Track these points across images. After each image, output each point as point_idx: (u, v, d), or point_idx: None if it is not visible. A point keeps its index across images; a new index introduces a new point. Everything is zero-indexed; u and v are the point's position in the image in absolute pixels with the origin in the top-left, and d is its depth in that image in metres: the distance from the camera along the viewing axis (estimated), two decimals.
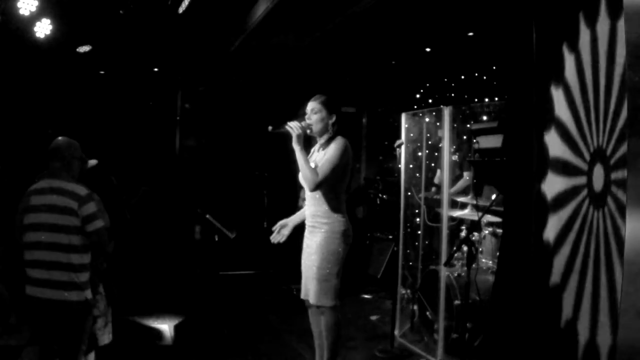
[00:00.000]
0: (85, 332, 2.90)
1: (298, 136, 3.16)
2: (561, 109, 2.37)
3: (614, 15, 1.95)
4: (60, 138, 3.01)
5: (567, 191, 2.31)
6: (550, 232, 2.44)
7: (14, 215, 2.89)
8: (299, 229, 3.42)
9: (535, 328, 2.54)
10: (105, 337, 3.33)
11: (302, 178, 3.20)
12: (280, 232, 3.46)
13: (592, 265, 2.09)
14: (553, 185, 2.44)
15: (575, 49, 2.26)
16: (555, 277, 2.38)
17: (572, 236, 2.25)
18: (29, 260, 2.81)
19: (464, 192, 5.02)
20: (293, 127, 3.16)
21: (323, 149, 3.26)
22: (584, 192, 2.17)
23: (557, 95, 2.41)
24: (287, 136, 3.18)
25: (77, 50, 6.00)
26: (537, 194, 2.53)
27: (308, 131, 3.25)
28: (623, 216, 1.84)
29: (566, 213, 2.30)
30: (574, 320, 2.21)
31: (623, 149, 1.87)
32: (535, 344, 2.53)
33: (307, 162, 3.16)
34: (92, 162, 3.19)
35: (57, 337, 2.83)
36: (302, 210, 3.45)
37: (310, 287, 3.23)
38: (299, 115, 3.30)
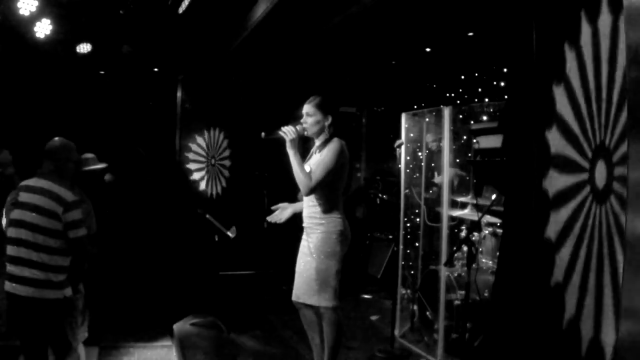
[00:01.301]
0: (66, 329, 2.93)
1: (292, 141, 3.15)
2: (562, 105, 2.37)
3: (616, 11, 1.95)
4: (56, 139, 3.01)
5: (569, 188, 2.30)
6: (552, 230, 2.44)
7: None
8: (298, 229, 3.42)
9: (536, 328, 2.54)
10: (82, 335, 3.37)
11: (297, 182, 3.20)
12: (279, 215, 3.46)
13: (595, 262, 2.09)
14: (555, 182, 2.43)
15: (577, 45, 2.25)
16: (558, 275, 2.38)
17: (574, 233, 2.25)
18: (10, 256, 2.83)
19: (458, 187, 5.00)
20: (286, 131, 3.16)
21: (320, 151, 3.25)
22: (587, 189, 2.17)
23: (559, 93, 2.40)
24: (284, 141, 3.18)
25: (77, 50, 6.00)
26: (539, 191, 2.53)
27: (305, 133, 3.25)
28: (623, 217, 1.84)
29: (568, 210, 2.30)
30: (576, 319, 2.21)
31: (625, 145, 1.87)
32: (536, 343, 2.52)
33: (301, 166, 3.15)
34: (106, 174, 3.21)
35: (36, 333, 2.84)
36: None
37: (309, 288, 3.22)
38: (297, 117, 3.30)
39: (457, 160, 5.03)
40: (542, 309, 2.49)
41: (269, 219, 3.48)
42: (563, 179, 2.37)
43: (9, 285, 2.81)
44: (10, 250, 2.83)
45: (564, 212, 2.34)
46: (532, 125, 2.59)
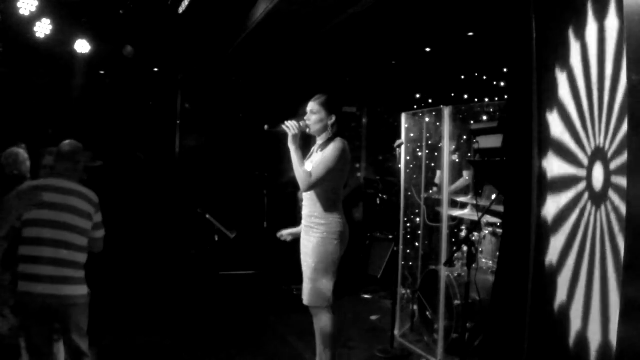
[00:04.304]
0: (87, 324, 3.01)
1: (294, 136, 3.15)
2: (565, 93, 2.36)
3: (622, 16, 1.93)
4: (69, 142, 3.06)
5: (567, 177, 2.30)
6: (549, 211, 2.44)
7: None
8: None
9: (535, 327, 2.54)
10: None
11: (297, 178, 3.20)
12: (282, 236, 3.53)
13: (587, 258, 2.09)
14: (553, 165, 2.43)
15: (582, 37, 2.24)
16: (552, 256, 2.38)
17: (570, 222, 2.24)
18: (36, 256, 2.81)
19: (463, 191, 5.01)
20: (290, 126, 3.16)
21: (321, 150, 3.24)
22: (583, 185, 2.17)
23: (562, 79, 2.38)
24: (285, 136, 3.17)
25: (77, 50, 6.01)
26: (538, 169, 2.53)
27: (307, 130, 3.24)
28: (621, 224, 1.84)
29: (565, 198, 2.30)
30: (567, 305, 2.21)
31: (622, 145, 1.86)
32: (536, 343, 2.53)
33: (301, 162, 3.15)
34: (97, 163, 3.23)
35: (67, 330, 2.87)
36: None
37: (305, 288, 3.23)
38: (300, 114, 3.29)
39: (457, 160, 5.03)
40: (536, 289, 2.49)
41: (278, 234, 3.53)
42: (561, 165, 2.36)
43: (44, 287, 2.79)
44: (38, 251, 2.81)
45: (561, 199, 2.34)
46: (532, 111, 2.58)
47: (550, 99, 2.46)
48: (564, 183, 2.32)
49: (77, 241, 2.87)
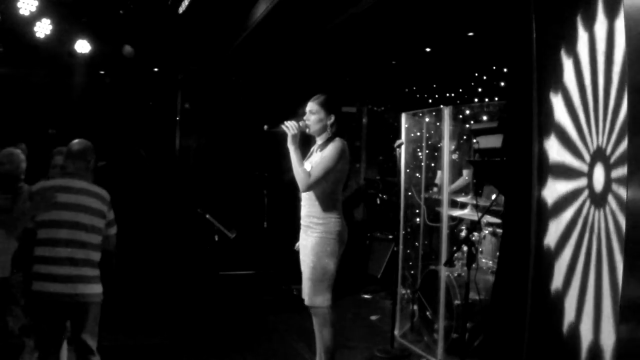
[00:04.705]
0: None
1: (293, 136, 3.15)
2: (561, 113, 2.37)
3: (611, 15, 1.94)
4: (79, 141, 3.08)
5: (568, 195, 2.30)
6: (551, 237, 2.44)
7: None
8: (298, 229, 3.41)
9: (535, 328, 2.54)
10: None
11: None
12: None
13: (594, 266, 2.09)
14: (553, 190, 2.44)
15: (574, 53, 2.26)
16: (557, 282, 2.38)
17: (573, 239, 2.25)
18: (52, 257, 2.83)
19: (462, 190, 5.01)
20: (289, 126, 3.16)
21: (321, 150, 3.24)
22: (585, 194, 2.17)
23: (557, 101, 2.40)
24: (285, 136, 3.17)
25: (77, 50, 6.01)
26: (538, 200, 2.53)
27: (307, 130, 3.24)
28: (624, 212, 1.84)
29: (567, 216, 2.30)
30: (576, 323, 2.21)
31: (623, 147, 1.87)
32: (536, 344, 2.53)
33: (300, 162, 3.14)
34: (100, 163, 3.27)
35: (81, 328, 2.89)
36: None
37: (305, 288, 3.22)
38: (299, 114, 3.29)
39: (456, 159, 5.03)
40: (543, 316, 2.49)
41: (296, 247, 3.50)
42: (562, 186, 2.37)
43: (61, 287, 2.81)
44: (55, 251, 2.83)
45: (563, 220, 2.34)
46: (531, 135, 2.59)
47: (556, 81, 2.45)
48: (566, 173, 2.32)
49: (92, 240, 2.91)
